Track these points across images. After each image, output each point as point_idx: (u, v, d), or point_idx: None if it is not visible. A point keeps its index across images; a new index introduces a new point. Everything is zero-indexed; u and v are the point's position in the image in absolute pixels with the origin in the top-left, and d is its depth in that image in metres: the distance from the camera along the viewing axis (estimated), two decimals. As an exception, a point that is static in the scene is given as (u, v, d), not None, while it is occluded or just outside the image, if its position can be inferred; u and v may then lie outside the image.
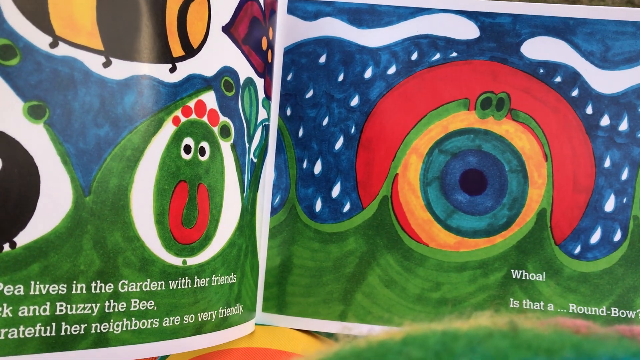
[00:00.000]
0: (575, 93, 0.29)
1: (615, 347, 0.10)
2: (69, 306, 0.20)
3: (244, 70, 0.26)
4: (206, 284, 0.24)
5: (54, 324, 0.19)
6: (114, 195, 0.21)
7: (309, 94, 0.30)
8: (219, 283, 0.24)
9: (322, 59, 0.30)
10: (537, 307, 0.28)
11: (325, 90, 0.30)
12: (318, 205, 0.30)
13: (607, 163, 0.29)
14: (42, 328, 0.19)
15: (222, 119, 0.25)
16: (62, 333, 0.19)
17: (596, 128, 0.29)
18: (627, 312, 0.28)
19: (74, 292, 0.20)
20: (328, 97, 0.30)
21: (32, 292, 0.19)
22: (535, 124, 0.29)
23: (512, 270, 0.29)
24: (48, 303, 0.19)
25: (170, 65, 0.22)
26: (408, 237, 0.29)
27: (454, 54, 0.30)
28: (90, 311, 0.20)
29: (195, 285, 0.23)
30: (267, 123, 0.29)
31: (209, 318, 0.24)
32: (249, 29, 0.27)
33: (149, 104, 0.22)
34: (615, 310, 0.28)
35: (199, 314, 0.23)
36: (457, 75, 0.30)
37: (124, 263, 0.21)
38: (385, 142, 0.30)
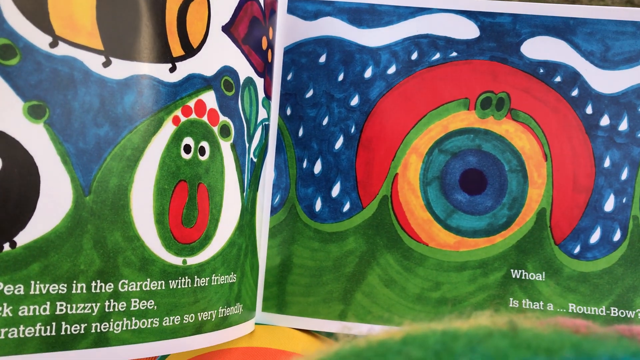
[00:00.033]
0: (575, 93, 0.29)
1: (615, 347, 0.10)
2: (69, 306, 0.20)
3: (244, 69, 0.26)
4: (206, 284, 0.24)
5: (54, 323, 0.19)
6: (114, 195, 0.21)
7: (309, 94, 0.30)
8: (219, 282, 0.24)
9: (322, 59, 0.30)
10: (536, 306, 0.28)
11: (325, 89, 0.30)
12: (318, 205, 0.30)
13: (606, 163, 0.29)
14: (42, 328, 0.19)
15: (222, 118, 0.25)
16: (62, 333, 0.19)
17: (596, 128, 0.29)
18: (627, 311, 0.28)
19: (74, 291, 0.20)
20: (328, 97, 0.30)
21: (32, 292, 0.19)
22: (535, 124, 0.29)
23: (512, 270, 0.29)
24: (48, 303, 0.19)
25: (170, 65, 0.22)
26: (408, 236, 0.29)
27: (454, 54, 0.30)
28: (90, 311, 0.20)
29: (195, 285, 0.23)
30: (267, 123, 0.29)
31: (209, 317, 0.24)
32: (249, 29, 0.27)
33: (148, 103, 0.22)
34: (614, 310, 0.28)
35: (199, 314, 0.23)
36: (457, 75, 0.30)
37: (124, 263, 0.21)
38: (385, 142, 0.30)
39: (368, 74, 0.30)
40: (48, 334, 0.19)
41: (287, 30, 0.31)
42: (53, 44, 0.19)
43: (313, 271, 0.30)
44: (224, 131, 0.25)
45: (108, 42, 0.20)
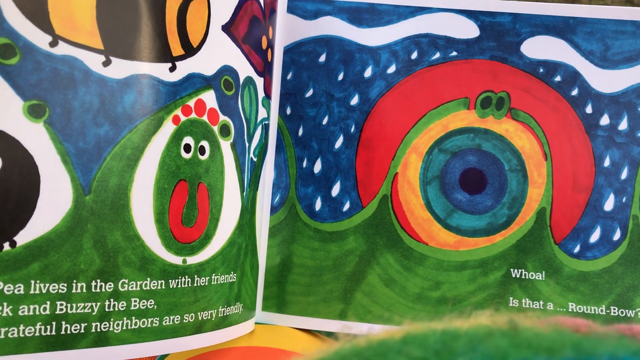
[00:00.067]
0: (575, 92, 0.29)
1: (616, 346, 0.10)
2: (69, 305, 0.20)
3: (244, 69, 0.26)
4: (206, 283, 0.24)
5: (54, 323, 0.19)
6: (114, 195, 0.21)
7: (309, 93, 0.30)
8: (218, 282, 0.24)
9: (322, 58, 0.30)
10: (536, 306, 0.28)
11: (325, 89, 0.30)
12: (318, 204, 0.30)
13: (606, 162, 0.29)
14: (42, 327, 0.19)
15: (222, 118, 0.25)
16: (62, 332, 0.19)
17: (596, 127, 0.29)
18: (627, 311, 0.28)
19: (74, 291, 0.20)
20: (328, 96, 0.30)
21: (32, 291, 0.19)
22: (535, 123, 0.29)
23: (512, 270, 0.29)
24: (48, 302, 0.19)
25: (170, 65, 0.22)
26: (408, 236, 0.29)
27: (454, 53, 0.30)
28: (90, 310, 0.20)
29: (195, 284, 0.23)
30: (267, 122, 0.29)
31: (209, 317, 0.24)
32: (248, 28, 0.27)
33: (148, 103, 0.21)
34: (614, 309, 0.28)
35: (199, 313, 0.23)
36: (457, 75, 0.30)
37: (124, 262, 0.21)
38: (385, 141, 0.30)
39: (368, 73, 0.30)
40: (48, 333, 0.19)
41: (287, 29, 0.31)
42: (53, 44, 0.19)
43: (313, 270, 0.30)
44: (224, 130, 0.25)
45: (108, 42, 0.20)
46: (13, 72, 0.19)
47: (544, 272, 0.28)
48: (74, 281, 0.20)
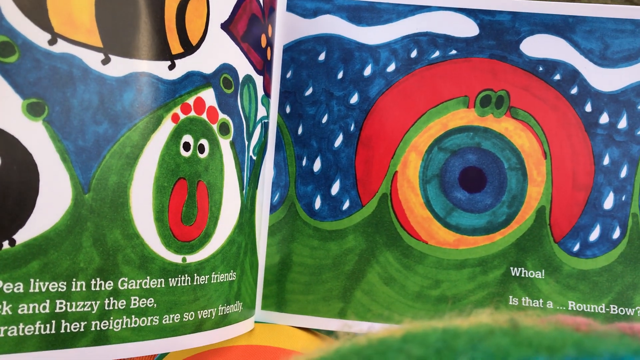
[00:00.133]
0: (574, 91, 0.29)
1: (616, 345, 0.10)
2: (68, 304, 0.20)
3: (243, 67, 0.26)
4: (206, 282, 0.24)
5: (53, 321, 0.19)
6: (113, 193, 0.21)
7: (309, 92, 0.30)
8: (218, 280, 0.24)
9: (322, 57, 0.30)
10: (536, 304, 0.28)
11: (325, 87, 0.30)
12: (317, 203, 0.30)
13: (606, 161, 0.29)
14: (42, 326, 0.19)
15: (222, 116, 0.25)
16: (62, 331, 0.19)
17: (595, 126, 0.29)
18: (626, 309, 0.28)
19: (73, 289, 0.20)
20: (327, 95, 0.30)
21: (31, 290, 0.19)
22: (534, 122, 0.29)
23: (512, 268, 0.29)
24: (48, 301, 0.19)
25: (169, 63, 0.22)
26: (407, 234, 0.29)
27: (454, 52, 0.30)
28: (90, 309, 0.20)
29: (194, 283, 0.23)
30: (266, 120, 0.29)
31: (209, 315, 0.24)
32: (248, 27, 0.26)
33: (147, 101, 0.21)
34: (614, 307, 0.28)
35: (198, 312, 0.23)
36: (456, 73, 0.30)
37: (124, 260, 0.21)
38: (385, 140, 0.30)
39: (367, 71, 0.30)
40: (48, 332, 0.19)
41: (287, 28, 0.31)
42: (52, 42, 0.19)
43: (312, 269, 0.30)
44: (223, 129, 0.25)
45: (107, 40, 0.20)
46: (12, 71, 0.19)
47: (543, 270, 0.29)
48: (74, 280, 0.20)
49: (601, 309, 0.28)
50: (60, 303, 0.19)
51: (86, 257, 0.20)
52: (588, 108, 0.29)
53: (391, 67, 0.30)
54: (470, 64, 0.30)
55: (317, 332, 0.30)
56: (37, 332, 0.19)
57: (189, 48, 0.23)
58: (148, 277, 0.22)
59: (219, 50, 0.25)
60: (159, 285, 0.22)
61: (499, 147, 0.29)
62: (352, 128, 0.30)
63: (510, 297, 0.29)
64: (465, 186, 0.29)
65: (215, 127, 0.24)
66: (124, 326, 0.21)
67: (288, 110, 0.30)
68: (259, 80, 0.28)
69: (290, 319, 0.29)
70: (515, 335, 0.11)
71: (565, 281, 0.28)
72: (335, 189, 0.30)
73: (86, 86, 0.20)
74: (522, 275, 0.29)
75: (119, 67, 0.21)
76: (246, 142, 0.27)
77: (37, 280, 0.19)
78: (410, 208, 0.29)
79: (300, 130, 0.30)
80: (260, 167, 0.29)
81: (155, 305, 0.22)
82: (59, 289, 0.19)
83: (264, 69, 0.29)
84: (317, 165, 0.30)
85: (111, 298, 0.21)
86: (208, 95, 0.24)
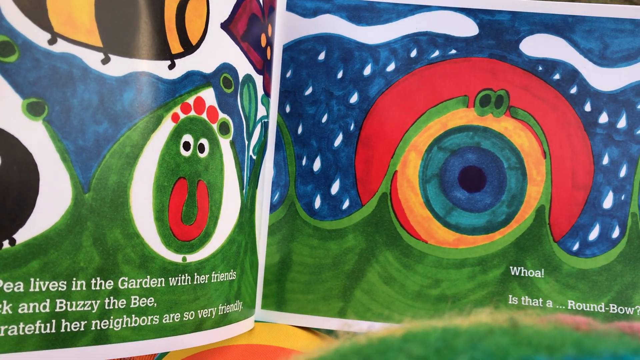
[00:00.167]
0: (574, 90, 0.29)
1: (616, 344, 0.10)
2: (68, 303, 0.20)
3: (243, 67, 0.26)
4: (206, 281, 0.24)
5: (53, 320, 0.19)
6: (113, 192, 0.21)
7: (308, 91, 0.30)
8: (218, 280, 0.24)
9: (321, 56, 0.30)
10: (535, 303, 0.28)
11: (325, 87, 0.30)
12: (317, 202, 0.30)
13: (605, 160, 0.29)
14: (42, 325, 0.19)
15: (221, 115, 0.25)
16: (62, 330, 0.19)
17: (595, 125, 0.29)
18: (626, 308, 0.28)
19: (73, 289, 0.20)
20: (327, 94, 0.30)
21: (31, 289, 0.19)
22: (534, 122, 0.29)
23: (511, 267, 0.29)
24: (48, 300, 0.19)
25: (169, 62, 0.22)
26: (407, 234, 0.29)
27: (453, 51, 0.30)
28: (90, 308, 0.20)
29: (195, 282, 0.23)
30: (266, 120, 0.29)
31: (209, 315, 0.24)
32: (247, 26, 0.26)
33: (147, 100, 0.21)
34: (613, 306, 0.28)
35: (198, 311, 0.23)
36: (456, 73, 0.30)
37: (124, 260, 0.21)
38: (385, 139, 0.30)
39: (367, 71, 0.30)
40: (48, 331, 0.19)
41: (286, 27, 0.31)
42: (52, 41, 0.19)
43: (312, 269, 0.30)
44: (223, 128, 0.25)
45: (107, 39, 0.20)
46: (12, 70, 0.19)
47: (543, 269, 0.29)
48: (74, 279, 0.20)
49: (601, 308, 0.28)
50: (61, 302, 0.19)
51: (86, 257, 0.20)
52: (587, 108, 0.29)
53: (391, 67, 0.30)
54: (469, 63, 0.30)
55: (317, 332, 0.30)
56: (37, 332, 0.19)
57: (188, 48, 0.23)
58: (148, 277, 0.22)
59: (218, 50, 0.25)
60: (159, 285, 0.22)
61: (499, 146, 0.29)
62: (351, 127, 0.30)
63: (510, 296, 0.29)
64: (464, 186, 0.29)
65: (215, 126, 0.24)
66: (124, 325, 0.21)
67: (288, 109, 0.30)
68: (258, 79, 0.28)
69: (290, 318, 0.29)
70: (515, 334, 0.11)
71: (565, 280, 0.28)
72: (335, 188, 0.30)
73: (86, 86, 0.20)
74: (522, 275, 0.29)
75: (118, 66, 0.21)
76: (246, 142, 0.27)
77: (37, 279, 0.19)
78: (410, 207, 0.29)
79: (300, 130, 0.30)
80: (260, 167, 0.29)
81: (155, 304, 0.22)
82: (59, 289, 0.19)
83: (263, 68, 0.29)
84: (317, 165, 0.30)
85: (111, 297, 0.21)
86: (208, 95, 0.24)
